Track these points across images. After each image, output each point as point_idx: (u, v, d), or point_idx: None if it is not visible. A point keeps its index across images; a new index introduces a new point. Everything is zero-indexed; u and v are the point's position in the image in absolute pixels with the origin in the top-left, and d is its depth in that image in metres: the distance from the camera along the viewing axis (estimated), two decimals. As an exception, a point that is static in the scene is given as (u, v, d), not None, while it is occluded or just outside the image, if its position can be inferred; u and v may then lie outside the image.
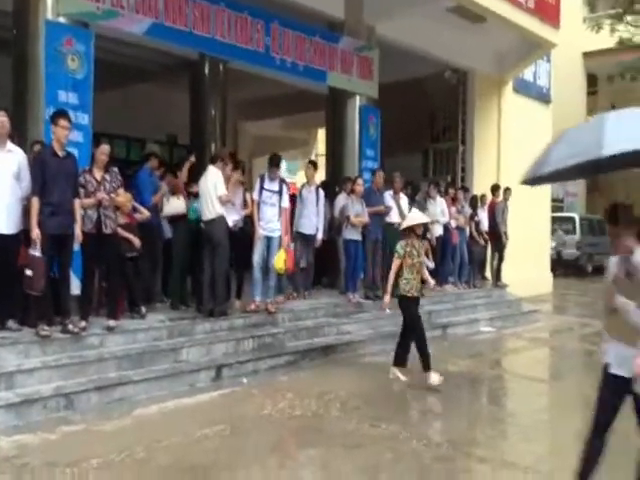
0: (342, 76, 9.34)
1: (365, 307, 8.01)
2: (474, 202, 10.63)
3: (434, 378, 5.59)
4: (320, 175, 11.90)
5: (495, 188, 11.23)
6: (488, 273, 11.39)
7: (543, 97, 14.50)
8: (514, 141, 13.05)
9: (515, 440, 4.64)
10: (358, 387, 5.57)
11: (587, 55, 23.65)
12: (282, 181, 6.96)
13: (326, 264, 9.17)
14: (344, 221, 8.00)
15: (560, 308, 12.26)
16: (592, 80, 24.79)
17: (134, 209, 6.23)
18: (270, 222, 6.77)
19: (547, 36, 11.16)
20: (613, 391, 3.00)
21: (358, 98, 9.75)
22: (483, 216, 10.90)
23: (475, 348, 7.81)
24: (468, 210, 10.34)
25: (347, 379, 5.87)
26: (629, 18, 17.11)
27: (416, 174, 12.98)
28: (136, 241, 5.95)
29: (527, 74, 13.93)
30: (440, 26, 10.60)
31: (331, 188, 9.37)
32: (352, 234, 7.92)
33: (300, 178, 25.15)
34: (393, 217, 8.49)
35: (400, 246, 5.85)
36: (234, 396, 5.22)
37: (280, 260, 6.74)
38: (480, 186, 11.90)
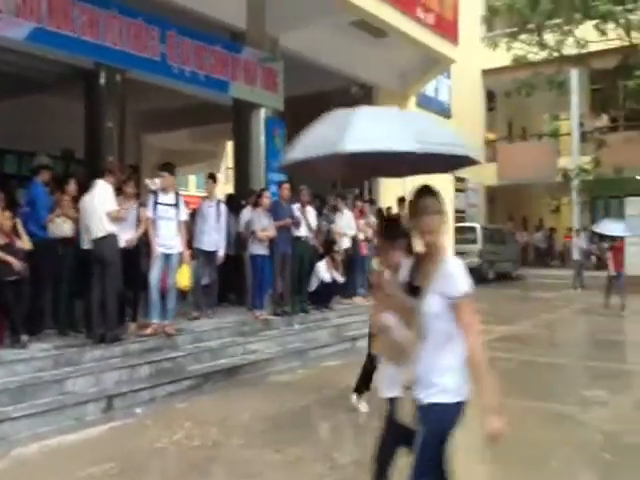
0: (245, 87, 9.14)
1: (273, 324, 7.78)
2: (380, 215, 10.70)
3: (360, 404, 5.18)
4: (230, 188, 11.65)
5: (401, 200, 11.37)
6: (397, 284, 11.50)
7: (444, 112, 14.98)
8: (418, 154, 13.34)
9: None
10: (263, 409, 5.30)
11: (486, 72, 24.83)
12: (177, 193, 6.61)
13: (233, 280, 8.89)
14: (250, 236, 7.77)
15: (465, 316, 12.54)
16: (491, 96, 26.07)
17: (16, 234, 5.69)
18: (168, 238, 6.41)
19: (446, 52, 11.52)
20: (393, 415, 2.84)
21: (263, 110, 9.59)
22: (391, 228, 10.99)
23: (384, 361, 7.77)
24: (375, 222, 10.38)
25: (252, 401, 5.59)
26: (523, 37, 18.07)
27: (325, 187, 12.97)
28: (16, 263, 5.41)
29: (429, 89, 14.37)
30: (344, 40, 10.67)
31: (237, 201, 9.15)
32: (258, 249, 7.69)
33: (210, 192, 24.51)
34: (301, 230, 8.34)
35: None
36: (126, 429, 4.81)
37: (184, 277, 6.43)
38: (387, 198, 12.04)
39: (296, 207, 8.36)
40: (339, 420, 5.22)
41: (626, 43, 16.78)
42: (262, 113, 9.55)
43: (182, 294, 6.81)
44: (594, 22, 16.17)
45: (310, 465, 4.03)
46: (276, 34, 9.67)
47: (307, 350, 7.58)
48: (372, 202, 11.41)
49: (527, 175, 23.70)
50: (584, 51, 17.47)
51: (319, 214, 9.45)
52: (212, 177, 7.94)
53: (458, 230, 19.09)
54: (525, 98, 20.99)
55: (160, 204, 6.34)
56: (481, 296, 14.90)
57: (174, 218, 6.44)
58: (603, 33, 16.92)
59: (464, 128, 22.34)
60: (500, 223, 23.94)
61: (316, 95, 12.53)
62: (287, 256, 8.03)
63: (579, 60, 17.88)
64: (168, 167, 6.47)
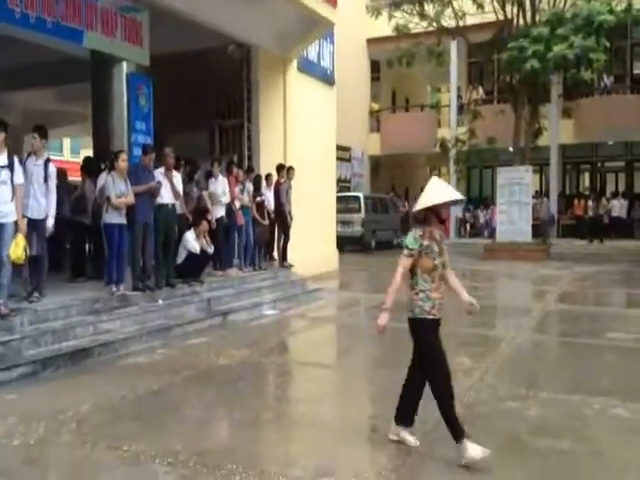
0: (103, 38, 8.20)
1: (133, 300, 7.12)
2: (257, 181, 10.25)
3: (473, 451, 3.50)
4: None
5: (280, 168, 11.00)
6: (276, 254, 11.17)
7: (327, 78, 14.64)
8: (300, 120, 12.98)
9: (275, 442, 4.23)
10: (107, 398, 4.74)
11: (370, 42, 24.82)
12: (10, 153, 5.70)
13: (96, 252, 8.13)
14: (104, 202, 7.01)
15: (344, 284, 12.54)
16: (375, 66, 26.18)
17: None
18: (1, 205, 5.57)
19: (325, 14, 11.11)
20: None
21: (125, 64, 8.70)
22: (269, 196, 10.62)
23: (255, 334, 7.41)
24: (251, 189, 9.92)
25: (96, 389, 5.00)
26: (405, 6, 18.13)
27: (204, 152, 12.30)
28: None
29: (311, 54, 13.91)
30: (218, -5, 9.94)
31: (96, 165, 8.31)
32: (114, 217, 6.95)
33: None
34: (165, 197, 7.66)
35: (412, 237, 3.63)
36: None
37: (19, 248, 5.62)
38: (267, 165, 11.59)
39: (159, 172, 7.68)
40: (190, 405, 4.78)
41: (501, 17, 17.33)
42: (124, 68, 8.66)
43: (16, 268, 5.95)
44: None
45: (146, 463, 3.56)
46: (140, -19, 8.76)
47: (171, 327, 7.03)
48: (250, 169, 10.90)
49: (409, 145, 24.21)
50: (462, 24, 17.87)
51: (190, 180, 8.82)
52: (39, 130, 6.38)
53: (342, 199, 19.11)
54: (408, 69, 21.23)
55: (-11, 166, 5.44)
56: (363, 264, 15.01)
57: (7, 181, 5.60)
58: (480, 6, 17.35)
59: (350, 97, 22.37)
60: (384, 192, 24.33)
61: (192, 53, 11.72)
62: (149, 225, 7.35)
63: (457, 32, 18.27)
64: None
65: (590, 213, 21.70)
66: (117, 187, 6.93)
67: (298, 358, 6.80)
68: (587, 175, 25.99)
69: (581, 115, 21.78)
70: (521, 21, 16.96)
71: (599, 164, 25.14)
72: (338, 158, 20.66)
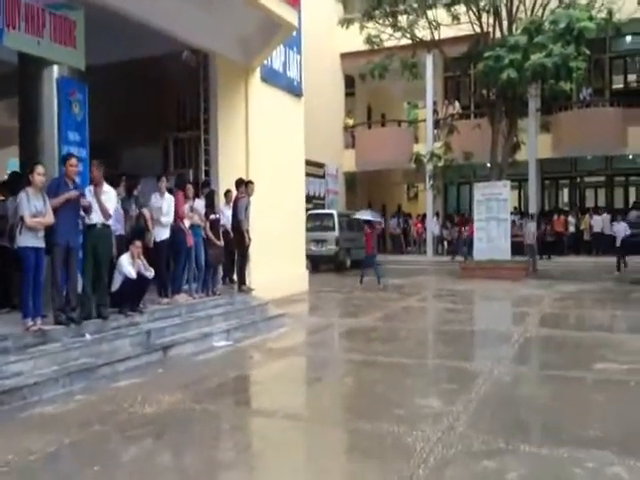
0: (28, 37, 7.28)
1: (52, 335, 6.12)
2: (211, 197, 9.34)
3: None
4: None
5: (239, 183, 10.14)
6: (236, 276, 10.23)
7: (294, 89, 13.86)
8: (263, 132, 12.15)
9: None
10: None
11: (344, 56, 24.22)
12: None
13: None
14: (18, 223, 6.06)
15: (312, 308, 11.61)
16: (350, 81, 25.54)
17: None
18: None
19: (286, 16, 10.33)
20: None
21: (57, 68, 7.80)
22: (228, 214, 9.76)
23: (196, 372, 6.43)
24: (202, 206, 9.01)
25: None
26: (378, 18, 17.50)
27: (158, 167, 11.42)
28: None
29: (276, 63, 13.14)
30: (170, -4, 9.15)
31: (23, 182, 7.34)
32: (29, 240, 5.98)
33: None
34: (94, 217, 6.73)
35: None
36: None
37: None
38: (227, 180, 10.72)
39: (89, 189, 6.74)
40: (88, 476, 3.81)
41: (477, 29, 16.75)
42: (55, 72, 7.75)
43: None
44: (445, 1, 15.90)
45: None
46: (75, -23, 7.91)
47: (98, 367, 6.03)
48: (206, 183, 10.01)
49: (385, 161, 23.51)
50: (437, 37, 17.28)
51: (128, 196, 7.90)
52: None
53: (316, 217, 18.32)
54: (384, 84, 20.57)
55: None
56: (336, 285, 13.95)
57: None
58: (455, 17, 16.78)
59: (325, 112, 21.66)
60: (360, 210, 23.54)
61: (143, 60, 10.86)
62: (72, 249, 6.39)
63: (433, 45, 17.68)
64: None
65: (571, 229, 21.10)
66: (32, 205, 5.98)
67: (243, 403, 5.84)
68: (566, 190, 25.50)
69: (560, 129, 21.28)
70: (498, 33, 16.41)
71: (578, 179, 24.66)
72: (311, 174, 19.93)
